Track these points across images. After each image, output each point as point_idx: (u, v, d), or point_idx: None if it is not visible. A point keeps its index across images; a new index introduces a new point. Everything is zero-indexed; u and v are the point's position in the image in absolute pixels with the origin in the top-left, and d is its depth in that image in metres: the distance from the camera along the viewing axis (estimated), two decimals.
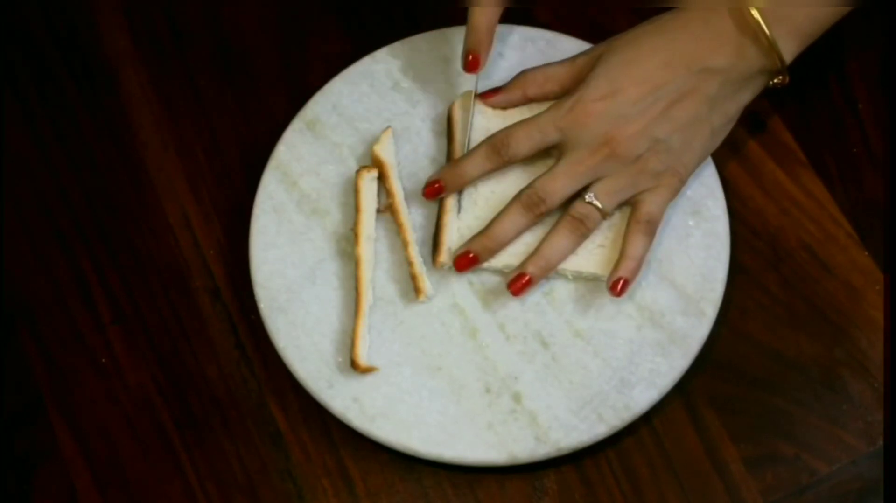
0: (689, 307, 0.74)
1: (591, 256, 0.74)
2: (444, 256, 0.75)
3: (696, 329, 0.74)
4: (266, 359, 0.77)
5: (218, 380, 0.77)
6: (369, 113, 0.81)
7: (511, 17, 0.80)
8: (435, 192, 0.75)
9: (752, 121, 0.80)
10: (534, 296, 0.75)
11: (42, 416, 0.76)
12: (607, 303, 0.75)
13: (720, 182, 0.77)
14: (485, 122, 0.78)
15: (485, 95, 0.78)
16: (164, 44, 0.86)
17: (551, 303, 0.75)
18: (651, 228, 0.73)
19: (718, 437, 0.73)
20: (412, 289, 0.75)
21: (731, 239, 0.76)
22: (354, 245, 0.75)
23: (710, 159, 0.77)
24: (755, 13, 0.70)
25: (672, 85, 0.72)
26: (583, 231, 0.73)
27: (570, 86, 0.75)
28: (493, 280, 0.76)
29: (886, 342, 0.73)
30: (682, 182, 0.74)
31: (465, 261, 0.74)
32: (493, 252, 0.74)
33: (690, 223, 0.76)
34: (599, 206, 0.73)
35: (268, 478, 0.74)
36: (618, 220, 0.75)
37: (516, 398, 0.73)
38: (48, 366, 0.78)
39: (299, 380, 0.75)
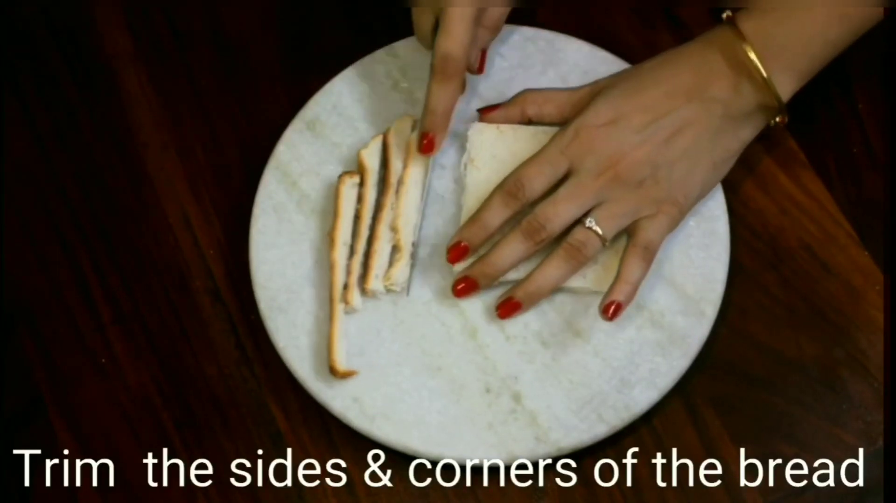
0: (689, 307, 0.74)
1: (584, 272, 0.74)
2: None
3: (696, 329, 0.74)
4: (266, 360, 0.77)
5: (218, 380, 0.77)
6: (369, 113, 0.81)
7: (512, 17, 0.80)
8: (460, 253, 0.74)
9: None
10: None
11: (42, 417, 0.76)
12: None
13: (720, 182, 0.77)
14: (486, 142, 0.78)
15: (484, 111, 0.78)
16: (165, 43, 0.86)
17: (551, 302, 0.75)
18: (649, 255, 0.72)
19: (718, 437, 0.73)
20: (410, 289, 0.76)
21: (731, 239, 0.76)
22: (330, 249, 0.75)
23: None
24: (749, 51, 0.71)
25: (674, 114, 0.72)
26: (579, 259, 0.72)
27: (569, 113, 0.75)
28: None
29: (886, 342, 0.73)
30: (682, 213, 0.74)
31: (465, 287, 0.74)
32: (492, 278, 0.74)
33: (690, 223, 0.76)
34: (599, 231, 0.72)
35: (267, 478, 0.74)
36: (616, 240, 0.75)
37: (516, 398, 0.73)
38: (48, 366, 0.78)
39: (299, 380, 0.74)
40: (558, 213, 0.72)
